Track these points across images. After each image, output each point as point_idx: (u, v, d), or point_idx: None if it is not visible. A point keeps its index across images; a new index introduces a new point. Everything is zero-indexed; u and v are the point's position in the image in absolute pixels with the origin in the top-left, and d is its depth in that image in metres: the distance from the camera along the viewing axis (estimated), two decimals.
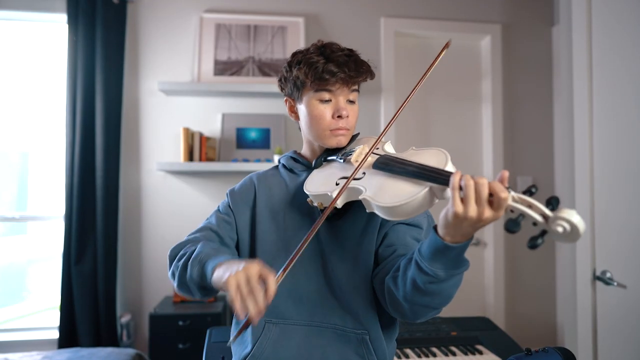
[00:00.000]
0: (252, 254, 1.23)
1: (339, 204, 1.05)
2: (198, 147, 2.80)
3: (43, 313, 3.02)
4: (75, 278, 2.70)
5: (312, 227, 1.01)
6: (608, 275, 1.77)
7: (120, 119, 2.81)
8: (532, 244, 0.75)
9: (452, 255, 0.90)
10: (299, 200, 1.21)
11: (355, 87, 1.21)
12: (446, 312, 2.95)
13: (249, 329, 1.19)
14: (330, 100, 1.18)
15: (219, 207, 1.31)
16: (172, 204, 2.91)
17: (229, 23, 2.96)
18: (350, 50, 1.20)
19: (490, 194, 0.80)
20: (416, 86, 1.16)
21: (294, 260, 0.97)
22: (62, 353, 2.39)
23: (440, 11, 3.19)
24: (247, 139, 2.93)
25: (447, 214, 0.85)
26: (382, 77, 3.09)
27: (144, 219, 2.90)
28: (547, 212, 0.75)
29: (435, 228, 0.91)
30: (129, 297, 2.88)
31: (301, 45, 2.93)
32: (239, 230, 1.26)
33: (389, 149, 1.16)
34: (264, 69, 2.93)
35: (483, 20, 3.23)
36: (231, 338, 1.02)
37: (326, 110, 1.18)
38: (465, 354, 1.83)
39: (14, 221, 2.96)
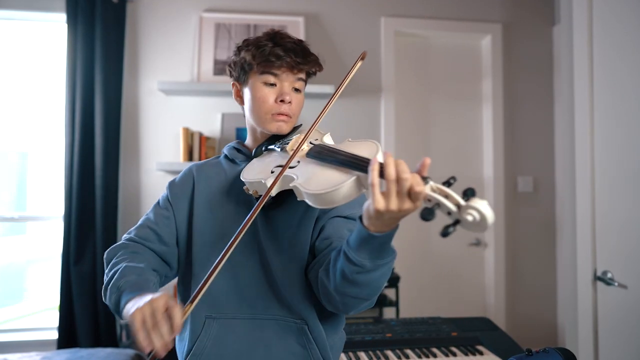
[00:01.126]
0: (190, 246, 1.22)
1: (273, 192, 1.05)
2: (198, 147, 2.79)
3: (42, 313, 3.01)
4: (74, 278, 2.69)
5: (246, 219, 1.01)
6: (609, 275, 1.76)
7: (119, 118, 2.80)
8: (444, 232, 0.77)
9: (376, 244, 0.91)
10: (236, 189, 1.20)
11: (302, 75, 1.21)
12: (446, 312, 2.96)
13: (188, 326, 1.17)
14: (275, 85, 1.18)
15: (159, 200, 1.30)
16: None
17: (228, 22, 2.96)
18: (301, 41, 1.22)
19: (410, 189, 0.81)
20: (335, 93, 1.16)
21: (211, 279, 0.97)
22: (61, 354, 2.38)
23: (440, 11, 3.18)
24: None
25: (369, 207, 0.86)
26: (382, 76, 3.08)
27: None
28: (461, 201, 0.78)
29: (361, 218, 0.91)
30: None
31: None
32: (178, 224, 1.24)
33: (328, 140, 1.17)
34: None
35: (483, 19, 3.22)
36: None
37: (270, 94, 1.18)
38: (466, 354, 1.83)
39: (13, 221, 2.95)
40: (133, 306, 0.93)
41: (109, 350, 2.41)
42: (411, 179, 0.81)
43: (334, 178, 0.96)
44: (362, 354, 1.83)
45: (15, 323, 2.94)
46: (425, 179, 0.82)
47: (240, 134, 2.92)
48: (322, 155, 1.04)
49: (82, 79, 2.74)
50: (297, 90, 1.21)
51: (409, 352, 1.84)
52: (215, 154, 2.88)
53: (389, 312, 2.97)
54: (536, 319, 3.22)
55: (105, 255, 1.20)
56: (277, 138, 1.23)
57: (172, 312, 0.89)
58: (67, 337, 2.71)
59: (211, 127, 2.95)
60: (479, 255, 3.26)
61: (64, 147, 2.74)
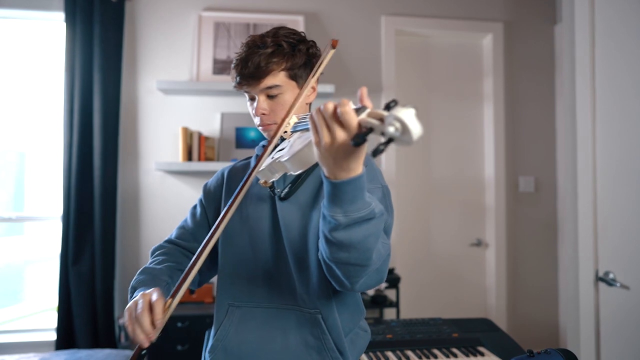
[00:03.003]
0: (220, 245, 1.29)
1: (279, 174, 1.09)
2: (197, 147, 2.78)
3: (40, 314, 3.01)
4: (72, 279, 2.68)
5: (232, 198, 1.08)
6: (611, 276, 1.75)
7: (118, 118, 2.79)
8: (375, 149, 0.71)
9: (343, 195, 0.88)
10: (259, 185, 1.24)
11: (266, 83, 1.19)
12: (447, 313, 2.95)
13: (214, 315, 1.27)
14: (255, 98, 1.23)
15: (196, 203, 1.40)
16: (170, 204, 2.89)
17: (228, 21, 2.94)
18: (262, 44, 1.19)
19: (337, 114, 0.80)
20: (309, 78, 1.20)
21: (186, 281, 1.03)
22: (60, 355, 2.37)
23: (441, 9, 3.17)
24: (246, 139, 2.91)
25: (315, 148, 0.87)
26: (383, 76, 3.07)
27: (142, 219, 2.88)
28: (383, 113, 0.73)
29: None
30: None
31: None
32: (210, 223, 1.34)
33: None
34: None
35: (485, 18, 3.21)
36: None
37: (251, 109, 1.24)
38: (467, 355, 1.82)
39: (11, 222, 2.94)
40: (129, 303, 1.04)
41: (107, 351, 2.40)
42: (337, 104, 0.80)
43: (302, 140, 1.00)
44: (362, 355, 1.82)
45: (13, 324, 2.93)
46: (362, 108, 0.79)
47: (240, 133, 2.90)
48: (299, 125, 1.11)
49: (80, 79, 2.73)
50: (271, 96, 1.21)
51: (409, 353, 1.84)
52: (215, 153, 2.87)
53: (389, 313, 2.96)
54: (538, 320, 3.20)
55: (150, 251, 1.34)
56: None
57: (155, 305, 0.97)
58: (66, 338, 2.70)
59: (210, 126, 2.93)
60: (479, 256, 3.25)
61: (62, 147, 2.73)
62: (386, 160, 3.02)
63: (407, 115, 0.69)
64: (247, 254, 1.23)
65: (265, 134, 1.25)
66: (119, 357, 2.33)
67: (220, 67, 2.89)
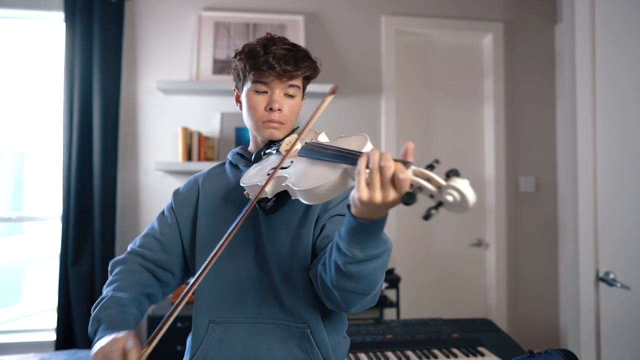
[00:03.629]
0: (193, 253, 1.25)
1: (269, 192, 1.08)
2: (197, 147, 2.78)
3: (40, 315, 3.00)
4: (72, 279, 2.68)
5: (238, 219, 1.03)
6: (611, 276, 1.75)
7: (117, 118, 2.79)
8: (427, 214, 0.76)
9: (366, 233, 0.90)
10: (239, 195, 1.21)
11: (294, 82, 1.21)
12: (447, 313, 2.94)
13: (191, 331, 1.21)
14: (266, 92, 1.20)
15: (164, 209, 1.34)
16: None
17: (227, 21, 2.94)
18: (294, 46, 1.21)
19: (394, 177, 0.81)
20: (310, 120, 1.18)
21: (163, 329, 0.98)
22: (59, 355, 2.37)
23: (441, 9, 3.16)
24: (246, 139, 2.86)
25: (353, 196, 0.86)
26: (383, 76, 3.07)
27: (142, 219, 2.88)
28: (441, 182, 0.77)
29: (349, 206, 0.92)
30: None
31: (301, 44, 2.91)
32: (181, 230, 1.28)
33: (322, 139, 1.18)
34: None
35: (485, 18, 3.20)
36: None
37: (260, 102, 1.20)
38: (467, 356, 1.82)
39: (10, 222, 2.93)
40: (98, 344, 0.97)
41: None
42: (394, 166, 0.81)
43: (322, 172, 0.97)
44: (362, 355, 1.82)
45: (12, 324, 2.93)
46: (407, 164, 0.81)
47: (240, 133, 2.90)
48: (312, 152, 1.05)
49: (80, 78, 2.73)
50: (289, 96, 1.22)
51: (409, 353, 1.84)
52: (215, 153, 2.87)
53: (389, 313, 2.95)
54: (538, 320, 3.20)
55: (109, 267, 1.26)
56: (276, 142, 1.24)
57: (129, 354, 0.92)
58: (65, 339, 2.70)
59: (210, 126, 2.93)
60: (480, 256, 3.25)
61: (61, 147, 2.73)
62: None
63: (465, 186, 0.74)
64: (227, 267, 1.19)
65: (265, 133, 1.22)
66: None
67: (220, 67, 2.89)
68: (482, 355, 1.83)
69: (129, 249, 1.28)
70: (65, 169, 2.71)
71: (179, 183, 2.89)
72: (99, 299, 1.15)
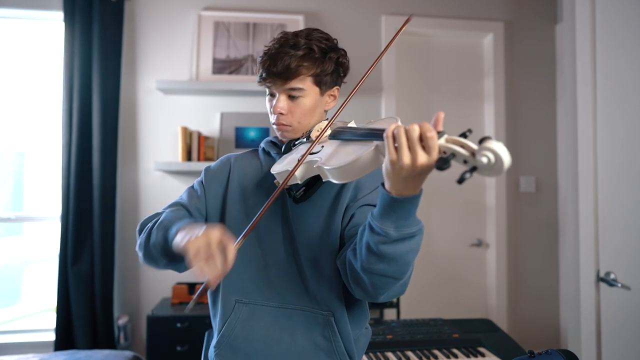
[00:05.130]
0: None
1: (299, 177, 1.08)
2: (196, 147, 2.77)
3: (39, 315, 3.00)
4: (72, 279, 2.68)
5: (270, 197, 1.02)
6: (612, 276, 1.75)
7: (117, 118, 2.79)
8: (461, 178, 0.76)
9: (400, 210, 0.90)
10: (269, 181, 1.22)
11: (293, 84, 1.18)
12: (448, 313, 2.94)
13: (219, 310, 1.23)
14: (275, 95, 1.21)
15: (193, 184, 1.35)
16: None
17: (227, 21, 2.94)
18: (295, 45, 1.17)
19: (422, 138, 0.81)
20: (377, 59, 1.17)
21: (252, 228, 0.98)
22: (59, 355, 2.36)
23: (441, 9, 3.16)
24: (246, 139, 2.91)
25: (385, 164, 0.86)
26: (383, 75, 3.06)
27: (141, 219, 2.85)
28: (475, 146, 0.77)
29: (383, 184, 0.92)
30: (127, 299, 2.86)
31: None
32: (208, 206, 1.28)
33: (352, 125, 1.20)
34: None
35: (485, 18, 3.20)
36: (190, 304, 0.99)
37: (269, 105, 1.23)
38: (467, 356, 1.82)
39: (10, 222, 2.93)
40: (186, 236, 0.96)
41: (106, 352, 2.39)
42: (421, 127, 0.81)
43: (353, 150, 0.98)
44: (362, 356, 1.81)
45: (12, 325, 2.92)
46: (440, 133, 0.81)
47: (240, 133, 2.90)
48: (342, 134, 1.08)
49: (79, 78, 2.72)
50: (293, 97, 1.20)
51: (409, 353, 1.83)
52: (214, 153, 2.87)
53: (389, 314, 2.95)
54: (538, 321, 3.19)
55: (138, 227, 1.25)
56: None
57: (226, 245, 0.91)
58: (65, 339, 2.70)
59: (210, 126, 2.93)
60: (480, 256, 3.24)
61: (61, 147, 2.72)
62: None
63: (501, 147, 0.74)
64: (255, 252, 1.21)
65: (278, 134, 1.25)
66: (118, 357, 2.32)
67: (219, 67, 2.88)
68: (483, 355, 1.82)
69: (154, 213, 1.28)
70: (65, 169, 2.71)
71: (178, 183, 2.89)
72: (149, 224, 1.17)
